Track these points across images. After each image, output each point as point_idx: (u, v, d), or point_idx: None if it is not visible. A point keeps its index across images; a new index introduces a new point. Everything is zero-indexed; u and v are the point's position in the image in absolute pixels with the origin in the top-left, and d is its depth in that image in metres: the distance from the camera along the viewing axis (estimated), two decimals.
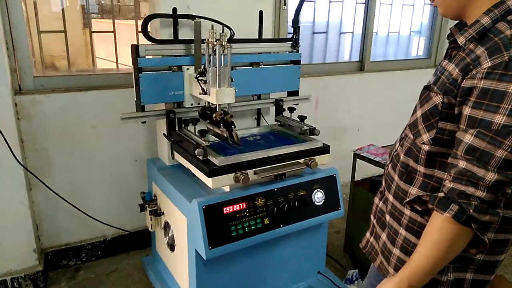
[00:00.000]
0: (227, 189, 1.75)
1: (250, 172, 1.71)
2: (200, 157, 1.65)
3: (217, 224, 1.64)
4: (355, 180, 2.46)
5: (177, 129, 1.95)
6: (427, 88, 1.08)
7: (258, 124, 2.29)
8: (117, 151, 2.52)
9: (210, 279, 1.79)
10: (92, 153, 2.46)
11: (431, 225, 1.00)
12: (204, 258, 1.62)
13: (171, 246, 1.99)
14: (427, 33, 3.78)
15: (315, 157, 1.88)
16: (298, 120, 2.11)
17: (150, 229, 2.11)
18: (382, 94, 3.46)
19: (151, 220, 2.06)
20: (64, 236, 2.51)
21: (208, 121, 1.79)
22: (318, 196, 1.89)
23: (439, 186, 1.03)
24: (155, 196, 2.10)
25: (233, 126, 1.68)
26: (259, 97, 2.24)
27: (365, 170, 2.56)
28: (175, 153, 1.97)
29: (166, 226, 2.01)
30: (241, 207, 1.70)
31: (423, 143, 1.06)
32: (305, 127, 2.02)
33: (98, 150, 2.47)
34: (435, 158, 1.05)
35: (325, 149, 1.92)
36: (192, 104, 1.93)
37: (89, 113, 2.41)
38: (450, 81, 0.99)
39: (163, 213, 2.03)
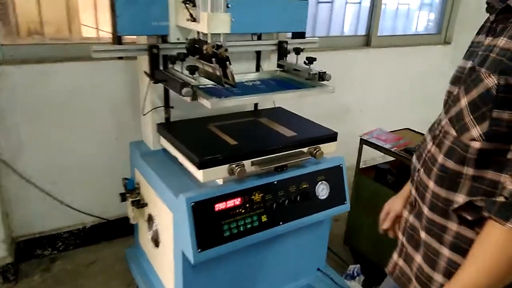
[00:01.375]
0: (220, 181, 1.51)
1: (247, 163, 1.47)
2: (188, 99, 1.38)
3: (208, 223, 1.42)
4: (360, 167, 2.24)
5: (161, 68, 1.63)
6: (473, 70, 0.85)
7: (257, 70, 1.97)
8: (97, 130, 2.27)
9: (199, 282, 1.58)
10: (69, 132, 2.20)
11: (485, 238, 0.79)
12: (192, 262, 1.40)
13: (156, 242, 1.77)
14: (438, 8, 3.50)
15: (320, 145, 1.64)
16: (306, 62, 1.75)
17: (132, 221, 1.88)
18: (388, 72, 3.22)
19: (133, 211, 1.83)
20: (38, 224, 2.28)
21: (197, 56, 1.49)
22: (322, 189, 1.67)
23: (494, 191, 0.82)
24: (138, 184, 1.86)
25: (227, 63, 1.39)
26: (259, 38, 1.92)
27: (364, 153, 2.32)
28: (161, 138, 1.72)
29: (150, 219, 1.79)
30: (236, 203, 1.47)
31: (473, 140, 0.83)
32: (314, 71, 1.72)
33: (75, 128, 2.21)
34: (489, 156, 0.83)
35: (332, 136, 1.69)
36: (178, 39, 1.62)
37: (65, 87, 2.14)
38: (508, 55, 0.77)
39: (146, 205, 1.79)
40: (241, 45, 1.83)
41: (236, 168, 1.43)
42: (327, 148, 1.66)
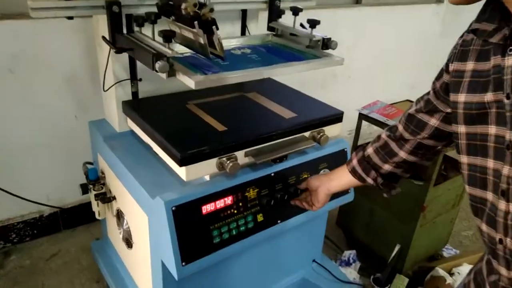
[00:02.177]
0: (207, 177, 1.23)
1: (239, 154, 1.19)
2: (164, 76, 1.06)
3: (194, 230, 1.15)
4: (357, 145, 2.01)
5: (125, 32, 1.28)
6: None
7: (243, 34, 1.64)
8: (49, 104, 1.90)
9: None
10: (13, 108, 1.82)
11: None
12: (176, 277, 1.14)
13: (128, 242, 1.49)
14: None
15: (324, 127, 1.38)
16: (307, 26, 1.41)
17: (97, 216, 1.58)
18: (379, 33, 2.93)
19: (98, 206, 1.53)
20: None
21: (173, 17, 1.16)
22: None
23: None
24: (102, 173, 1.55)
25: (214, 27, 1.09)
26: None
27: (350, 123, 2.07)
28: (129, 120, 1.40)
29: (120, 215, 1.50)
30: (227, 202, 1.20)
31: None
32: (317, 37, 1.38)
33: (21, 103, 1.83)
34: None
35: (337, 117, 1.42)
36: None
37: (4, 52, 1.73)
38: None
39: (114, 198, 1.49)
40: (225, 2, 1.49)
41: (228, 162, 1.15)
42: (331, 131, 1.40)
